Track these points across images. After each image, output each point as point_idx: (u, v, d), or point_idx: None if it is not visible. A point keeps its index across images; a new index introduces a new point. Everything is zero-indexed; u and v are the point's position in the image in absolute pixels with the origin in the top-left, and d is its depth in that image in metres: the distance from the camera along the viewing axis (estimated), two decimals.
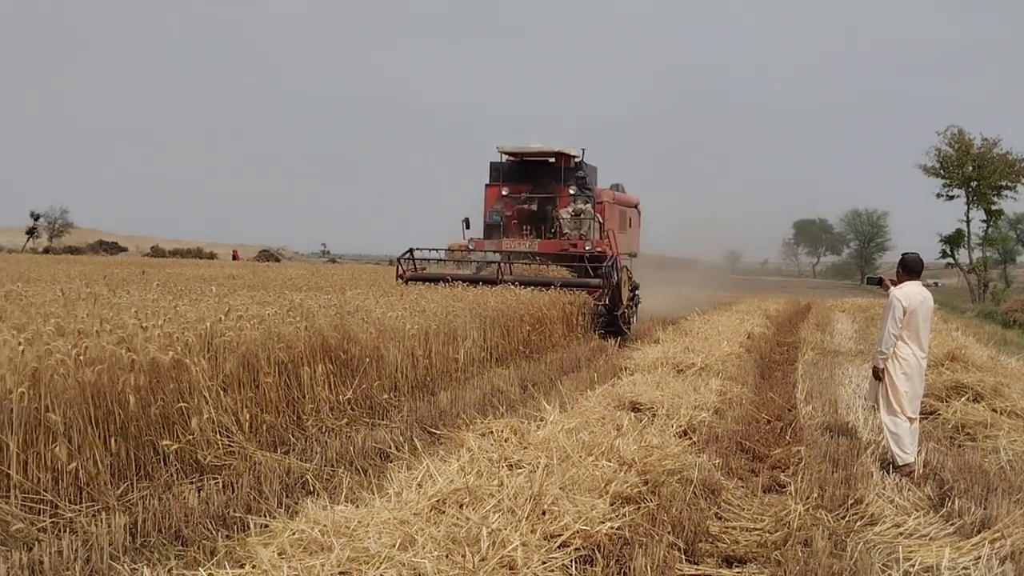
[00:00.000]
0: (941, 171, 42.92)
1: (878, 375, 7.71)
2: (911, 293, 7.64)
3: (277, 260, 72.80)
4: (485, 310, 12.49)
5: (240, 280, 21.22)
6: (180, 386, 6.71)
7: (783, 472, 7.53)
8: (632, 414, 8.44)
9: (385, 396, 9.14)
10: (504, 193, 19.45)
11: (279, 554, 4.47)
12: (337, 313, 9.57)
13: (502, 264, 17.46)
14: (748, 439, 8.48)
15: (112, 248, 79.37)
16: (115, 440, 6.03)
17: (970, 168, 42.08)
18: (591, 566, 4.94)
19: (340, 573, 4.24)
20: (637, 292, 20.57)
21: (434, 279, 17.09)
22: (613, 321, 17.20)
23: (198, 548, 5.07)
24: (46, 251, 71.01)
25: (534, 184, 19.53)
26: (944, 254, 44.44)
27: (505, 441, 6.99)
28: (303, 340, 8.32)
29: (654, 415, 8.61)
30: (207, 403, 6.78)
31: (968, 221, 43.79)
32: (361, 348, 9.05)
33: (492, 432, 7.30)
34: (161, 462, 6.32)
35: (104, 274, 21.35)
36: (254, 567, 4.32)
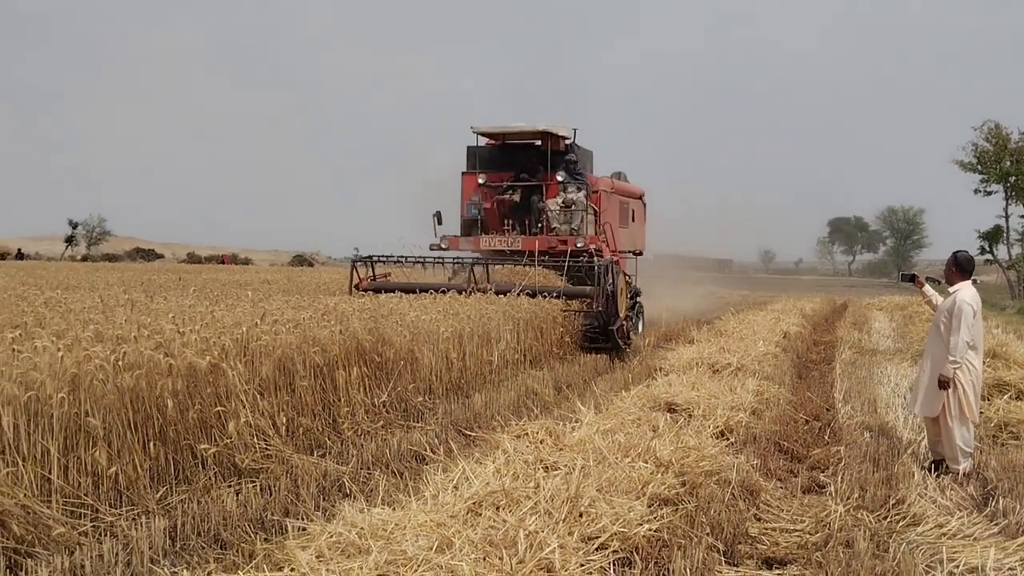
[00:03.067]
0: (978, 166, 42.26)
1: (944, 385, 7.23)
2: (975, 295, 7.26)
3: (311, 265, 73.39)
4: (519, 312, 12.47)
5: (275, 285, 21.42)
6: (217, 390, 6.76)
7: (822, 473, 7.43)
8: (668, 415, 8.37)
9: (420, 399, 9.16)
10: (481, 182, 16.78)
11: (317, 557, 4.48)
12: (371, 317, 9.60)
13: (474, 269, 14.83)
14: (786, 439, 8.38)
15: (149, 255, 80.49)
16: (154, 444, 6.08)
17: (1008, 163, 41.38)
18: (629, 568, 4.91)
19: None
20: (639, 300, 17.96)
21: (391, 289, 14.12)
22: (608, 336, 14.14)
23: (237, 551, 5.09)
24: (84, 259, 72.17)
25: (517, 171, 16.93)
26: (983, 251, 43.73)
27: (540, 443, 6.97)
28: (338, 344, 8.35)
29: (690, 416, 8.54)
30: (244, 407, 6.82)
31: (1007, 216, 43.08)
32: (395, 351, 9.07)
33: (527, 434, 7.28)
34: (199, 466, 6.37)
35: (141, 281, 21.63)
36: (292, 570, 4.33)
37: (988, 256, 43.99)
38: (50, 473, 5.37)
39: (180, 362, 6.51)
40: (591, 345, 14.15)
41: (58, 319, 8.00)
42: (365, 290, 14.72)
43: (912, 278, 8.27)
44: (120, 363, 6.11)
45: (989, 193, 42.74)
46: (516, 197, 16.74)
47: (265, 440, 6.89)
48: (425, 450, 7.37)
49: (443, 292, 13.13)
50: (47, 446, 5.39)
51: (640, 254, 20.26)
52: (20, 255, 67.74)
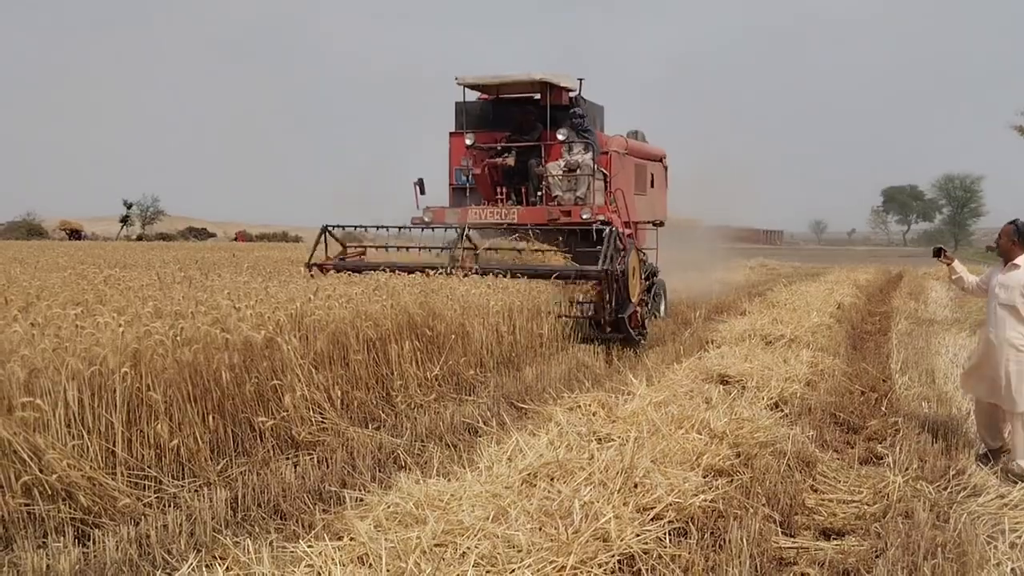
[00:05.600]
0: None
1: None
2: None
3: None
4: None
5: None
6: (273, 364, 6.85)
7: (880, 444, 7.33)
8: (721, 387, 8.33)
9: (471, 372, 9.19)
10: (469, 143, 13.98)
11: (375, 527, 4.54)
12: (422, 291, 9.65)
13: (461, 247, 12.56)
14: (842, 411, 8.28)
15: (201, 234, 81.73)
16: (213, 417, 6.19)
17: None
18: (685, 538, 4.90)
19: (436, 545, 4.29)
20: (655, 279, 15.33)
21: (357, 269, 12.25)
22: (619, 325, 11.79)
23: (297, 522, 5.18)
24: (139, 238, 73.55)
25: (513, 130, 14.26)
26: None
27: (593, 415, 6.99)
28: (390, 318, 8.41)
29: (743, 387, 8.48)
30: (299, 380, 6.91)
31: None
32: (446, 325, 9.11)
33: (580, 406, 7.30)
34: (258, 438, 6.48)
35: (196, 259, 22.02)
36: (352, 539, 4.40)
37: None
38: (114, 446, 5.50)
39: (236, 337, 6.61)
40: (599, 335, 11.89)
41: (118, 296, 8.17)
42: (327, 269, 12.72)
43: (939, 252, 7.35)
44: (179, 338, 6.23)
45: None
46: (511, 161, 14.03)
47: (321, 413, 6.99)
48: (478, 423, 7.41)
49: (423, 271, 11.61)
50: (111, 419, 5.52)
51: (661, 224, 17.53)
52: (78, 235, 68.98)
